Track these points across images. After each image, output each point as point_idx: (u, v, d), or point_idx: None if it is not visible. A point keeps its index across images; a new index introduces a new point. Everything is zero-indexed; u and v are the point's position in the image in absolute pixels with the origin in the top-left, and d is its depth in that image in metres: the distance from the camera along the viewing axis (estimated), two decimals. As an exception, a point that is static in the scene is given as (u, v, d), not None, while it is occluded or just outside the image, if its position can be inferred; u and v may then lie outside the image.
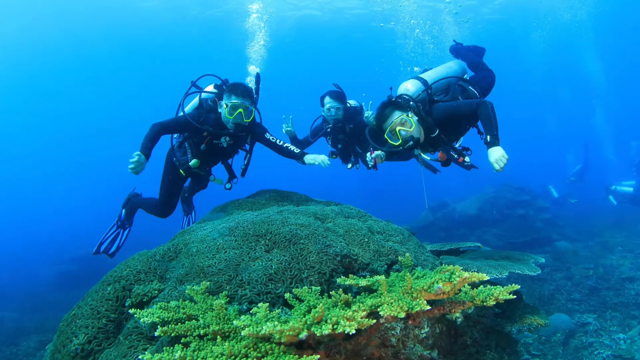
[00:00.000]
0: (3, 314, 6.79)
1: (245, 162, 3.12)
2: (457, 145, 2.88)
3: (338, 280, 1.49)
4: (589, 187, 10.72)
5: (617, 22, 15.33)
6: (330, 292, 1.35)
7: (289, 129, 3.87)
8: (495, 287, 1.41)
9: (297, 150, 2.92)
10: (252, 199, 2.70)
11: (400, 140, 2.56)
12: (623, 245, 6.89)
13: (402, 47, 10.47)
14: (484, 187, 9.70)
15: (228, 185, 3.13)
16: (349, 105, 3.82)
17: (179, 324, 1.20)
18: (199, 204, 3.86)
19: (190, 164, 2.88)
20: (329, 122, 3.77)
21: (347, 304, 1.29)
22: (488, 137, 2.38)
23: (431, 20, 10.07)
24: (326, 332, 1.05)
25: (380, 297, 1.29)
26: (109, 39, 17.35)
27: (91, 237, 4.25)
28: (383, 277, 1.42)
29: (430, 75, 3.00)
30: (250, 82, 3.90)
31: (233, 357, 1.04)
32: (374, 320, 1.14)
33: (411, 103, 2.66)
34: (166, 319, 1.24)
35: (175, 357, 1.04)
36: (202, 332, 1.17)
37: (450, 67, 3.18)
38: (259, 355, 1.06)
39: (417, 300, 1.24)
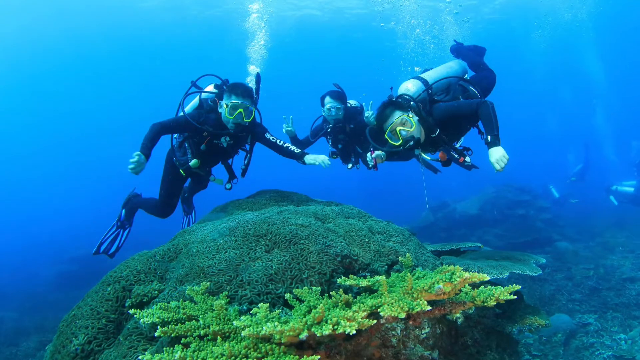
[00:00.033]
0: (3, 314, 6.78)
1: (246, 162, 3.12)
2: (457, 145, 2.88)
3: (338, 280, 1.48)
4: (590, 187, 10.71)
5: (617, 22, 15.32)
6: (331, 293, 1.35)
7: (289, 129, 3.87)
8: (496, 287, 1.41)
9: (297, 151, 2.92)
10: (252, 199, 2.70)
11: (401, 140, 2.56)
12: (624, 246, 6.88)
13: (403, 47, 10.48)
14: (485, 187, 9.69)
15: (228, 186, 3.13)
16: (349, 105, 3.82)
17: (179, 324, 1.20)
18: (199, 204, 3.86)
19: (190, 164, 2.87)
20: (330, 122, 3.77)
21: (348, 305, 1.29)
22: (489, 137, 2.37)
23: (432, 20, 10.07)
24: (326, 332, 1.05)
25: (380, 297, 1.28)
26: (109, 39, 17.35)
27: (91, 237, 4.25)
28: (383, 277, 1.42)
29: (430, 75, 3.00)
30: (251, 82, 3.90)
31: (233, 357, 1.04)
32: (375, 321, 1.14)
33: (412, 103, 2.66)
34: (166, 320, 1.23)
35: (175, 358, 1.04)
36: (202, 332, 1.17)
37: (450, 67, 3.18)
38: (259, 355, 1.06)
39: (418, 300, 1.24)
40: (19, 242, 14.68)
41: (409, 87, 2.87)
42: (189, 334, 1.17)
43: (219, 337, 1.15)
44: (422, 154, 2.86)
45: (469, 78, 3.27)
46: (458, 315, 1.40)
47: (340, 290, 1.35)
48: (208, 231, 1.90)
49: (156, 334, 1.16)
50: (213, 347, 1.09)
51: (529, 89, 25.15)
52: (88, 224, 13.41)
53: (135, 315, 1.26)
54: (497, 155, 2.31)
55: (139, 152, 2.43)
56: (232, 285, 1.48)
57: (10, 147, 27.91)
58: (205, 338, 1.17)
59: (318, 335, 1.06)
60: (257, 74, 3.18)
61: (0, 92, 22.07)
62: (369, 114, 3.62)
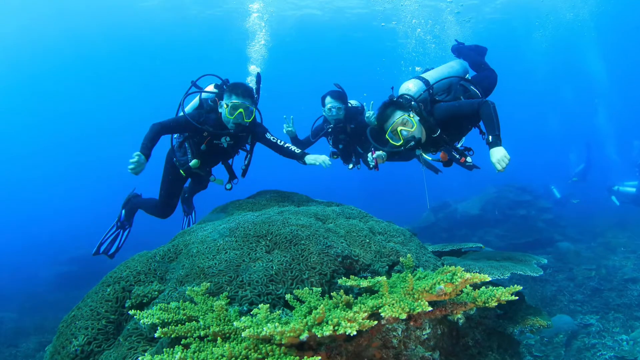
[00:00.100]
0: (2, 315, 6.77)
1: (246, 162, 3.11)
2: (458, 146, 2.87)
3: (339, 281, 1.48)
4: (592, 187, 10.69)
5: (619, 22, 15.29)
6: (332, 293, 1.35)
7: (289, 129, 3.86)
8: (497, 288, 1.40)
9: (298, 151, 2.92)
10: (252, 200, 2.70)
11: (402, 141, 2.55)
12: (626, 246, 6.86)
13: (404, 47, 10.47)
14: (486, 188, 9.68)
15: (228, 186, 3.12)
16: (350, 105, 3.81)
17: (179, 325, 1.19)
18: (199, 204, 3.86)
19: (190, 164, 2.87)
20: (330, 122, 3.76)
21: (349, 305, 1.28)
22: (490, 137, 2.37)
23: (433, 20, 10.06)
24: (327, 333, 1.04)
25: (381, 298, 1.28)
26: (109, 39, 17.38)
27: (91, 238, 4.26)
28: (384, 278, 1.41)
29: (431, 75, 2.99)
30: (251, 81, 3.89)
31: (234, 358, 1.04)
32: (375, 322, 1.13)
33: (413, 103, 2.65)
34: (166, 320, 1.23)
35: (176, 359, 1.03)
36: (202, 333, 1.17)
37: (452, 66, 3.17)
38: (260, 356, 1.05)
39: (419, 301, 1.23)
40: (18, 242, 14.70)
41: (410, 87, 2.87)
42: (189, 334, 1.17)
43: (219, 338, 1.15)
44: (423, 154, 2.85)
45: (470, 78, 3.26)
46: (459, 316, 1.39)
47: (341, 291, 1.35)
48: (208, 232, 1.89)
49: (156, 335, 1.16)
50: (213, 348, 1.09)
51: (530, 89, 25.13)
52: (88, 224, 13.42)
53: (135, 316, 1.26)
54: (499, 155, 2.30)
55: (139, 152, 2.42)
56: (232, 285, 1.48)
57: (10, 147, 27.98)
58: (205, 339, 1.17)
59: (319, 336, 1.05)
60: (258, 73, 3.17)
61: (0, 92, 22.11)
62: (370, 114, 3.61)
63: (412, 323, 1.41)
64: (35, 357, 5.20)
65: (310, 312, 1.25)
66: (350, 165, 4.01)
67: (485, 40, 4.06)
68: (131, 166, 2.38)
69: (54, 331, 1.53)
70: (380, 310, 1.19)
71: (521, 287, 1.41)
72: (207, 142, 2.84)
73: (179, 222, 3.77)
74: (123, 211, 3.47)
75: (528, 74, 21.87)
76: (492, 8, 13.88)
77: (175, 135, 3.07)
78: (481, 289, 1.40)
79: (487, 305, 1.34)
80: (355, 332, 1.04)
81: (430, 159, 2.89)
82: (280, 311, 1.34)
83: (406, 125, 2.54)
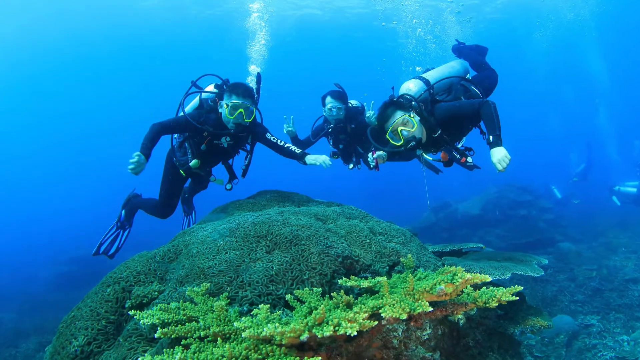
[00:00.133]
0: (2, 315, 6.76)
1: (246, 162, 3.11)
2: (459, 146, 2.86)
3: (339, 281, 1.47)
4: (592, 187, 10.67)
5: (620, 21, 15.27)
6: (332, 294, 1.34)
7: (290, 129, 3.86)
8: (498, 288, 1.40)
9: (298, 151, 2.91)
10: (252, 200, 2.69)
11: (402, 141, 2.55)
12: (627, 246, 6.84)
13: (404, 47, 10.47)
14: (487, 188, 9.67)
15: (229, 186, 3.12)
16: (350, 105, 3.81)
17: (179, 325, 1.19)
18: (200, 204, 3.85)
19: (190, 164, 2.87)
20: (331, 122, 3.76)
21: (349, 306, 1.28)
22: (491, 137, 2.36)
23: (433, 20, 10.06)
24: (327, 333, 1.04)
25: (382, 298, 1.28)
26: (108, 39, 17.39)
27: (91, 238, 4.25)
28: (385, 278, 1.41)
29: (432, 75, 2.99)
30: (251, 81, 3.88)
31: (234, 358, 1.03)
32: (376, 322, 1.13)
33: (413, 103, 2.65)
34: (166, 321, 1.23)
35: (176, 359, 1.03)
36: (202, 333, 1.16)
37: (452, 66, 3.16)
38: (260, 357, 1.05)
39: (419, 301, 1.23)
40: (18, 242, 14.70)
41: (411, 86, 2.86)
42: (189, 335, 1.16)
43: (219, 338, 1.14)
44: (424, 154, 2.85)
45: (470, 78, 3.26)
46: (460, 316, 1.39)
47: (342, 291, 1.34)
48: (208, 232, 1.89)
49: (156, 335, 1.15)
50: (213, 349, 1.08)
51: (531, 89, 25.12)
52: (88, 224, 13.43)
53: (135, 317, 1.25)
54: (499, 155, 2.30)
55: (139, 153, 2.42)
56: (232, 286, 1.47)
57: (10, 147, 27.99)
58: (205, 339, 1.16)
59: (319, 336, 1.05)
60: (258, 73, 3.17)
61: (0, 92, 22.12)
62: (370, 114, 3.61)
63: (412, 323, 1.41)
64: (35, 357, 5.19)
65: (310, 313, 1.25)
66: (351, 166, 4.00)
67: (485, 40, 4.06)
68: (131, 166, 2.38)
69: (54, 332, 1.53)
70: (380, 311, 1.19)
71: (522, 288, 1.40)
72: (207, 142, 2.84)
73: (179, 222, 3.77)
74: (123, 211, 3.46)
75: (529, 74, 21.86)
76: (493, 8, 13.87)
77: (175, 136, 3.06)
78: (482, 290, 1.40)
79: (487, 305, 1.34)
80: (355, 333, 1.04)
81: (430, 159, 2.89)
82: (281, 311, 1.34)
83: (407, 125, 2.53)
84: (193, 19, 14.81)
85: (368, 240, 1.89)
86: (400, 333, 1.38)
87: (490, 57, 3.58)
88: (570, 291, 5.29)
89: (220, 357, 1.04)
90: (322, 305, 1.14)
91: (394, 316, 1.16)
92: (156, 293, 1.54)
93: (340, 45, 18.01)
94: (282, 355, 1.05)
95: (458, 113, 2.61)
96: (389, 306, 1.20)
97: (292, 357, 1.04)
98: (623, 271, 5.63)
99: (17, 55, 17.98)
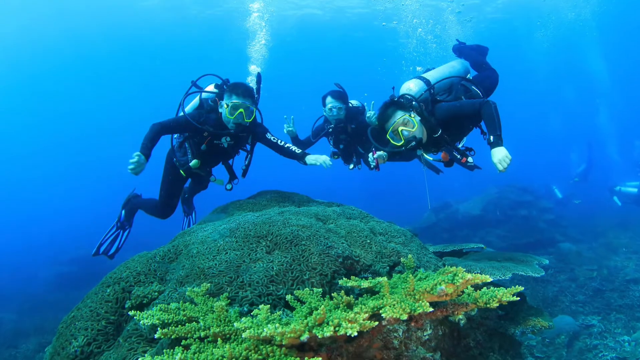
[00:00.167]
0: (2, 316, 6.74)
1: (246, 162, 3.11)
2: (460, 146, 2.86)
3: (340, 281, 1.47)
4: (593, 187, 10.66)
5: (621, 21, 15.26)
6: (332, 294, 1.34)
7: (290, 129, 3.85)
8: (498, 288, 1.39)
9: (298, 151, 2.91)
10: (253, 200, 2.69)
11: (403, 141, 2.54)
12: (627, 247, 6.83)
13: (405, 47, 10.47)
14: (487, 188, 9.65)
15: (229, 186, 3.11)
16: (350, 105, 3.80)
17: (179, 326, 1.19)
18: (200, 204, 3.85)
19: (190, 164, 2.86)
20: (331, 122, 3.75)
21: (349, 306, 1.28)
22: (491, 137, 2.36)
23: (434, 20, 10.05)
24: (328, 334, 1.04)
25: (382, 298, 1.27)
26: (108, 39, 17.39)
27: (91, 238, 4.25)
28: (385, 278, 1.40)
29: (432, 75, 2.98)
30: (251, 81, 3.88)
31: (234, 359, 1.03)
32: (376, 323, 1.13)
33: (414, 103, 2.64)
34: (166, 321, 1.22)
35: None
36: (202, 334, 1.16)
37: (453, 66, 3.16)
38: (260, 357, 1.05)
39: (420, 302, 1.23)
40: (18, 242, 14.68)
41: (411, 86, 2.86)
42: (189, 335, 1.16)
43: (219, 338, 1.14)
44: (424, 155, 2.84)
45: (471, 78, 3.25)
46: (460, 316, 1.38)
47: (342, 291, 1.34)
48: (208, 232, 1.89)
49: (156, 336, 1.15)
50: (213, 349, 1.08)
51: (531, 89, 25.11)
52: (88, 224, 13.42)
53: (135, 317, 1.25)
54: (500, 155, 2.29)
55: (138, 153, 2.42)
56: (232, 286, 1.47)
57: (10, 147, 28.00)
58: (205, 340, 1.16)
59: (319, 337, 1.04)
60: (258, 73, 3.17)
61: (0, 92, 22.13)
62: (371, 114, 3.61)
63: (413, 324, 1.41)
64: (34, 358, 5.18)
65: (311, 313, 1.24)
66: (351, 166, 4.00)
67: (486, 40, 4.06)
68: (131, 166, 2.37)
69: (54, 332, 1.53)
70: (381, 311, 1.19)
71: (522, 288, 1.40)
72: (207, 142, 2.83)
73: (179, 222, 3.76)
74: (123, 211, 3.46)
75: (529, 74, 21.84)
76: (494, 8, 13.85)
77: (176, 136, 3.06)
78: (482, 290, 1.39)
79: (488, 306, 1.33)
80: (356, 333, 1.04)
81: (431, 159, 2.88)
82: (281, 312, 1.34)
83: (407, 125, 2.53)
84: (193, 18, 14.82)
85: (368, 241, 1.89)
86: (400, 333, 1.38)
87: (491, 57, 3.57)
88: (571, 291, 5.28)
89: (220, 358, 1.03)
90: (323, 306, 1.14)
91: (394, 316, 1.16)
92: (156, 293, 1.53)
93: (341, 45, 18.01)
94: (283, 355, 1.05)
95: (459, 113, 2.60)
96: (390, 306, 1.20)
97: (293, 358, 1.04)
98: (624, 271, 5.62)
99: (17, 55, 17.99)
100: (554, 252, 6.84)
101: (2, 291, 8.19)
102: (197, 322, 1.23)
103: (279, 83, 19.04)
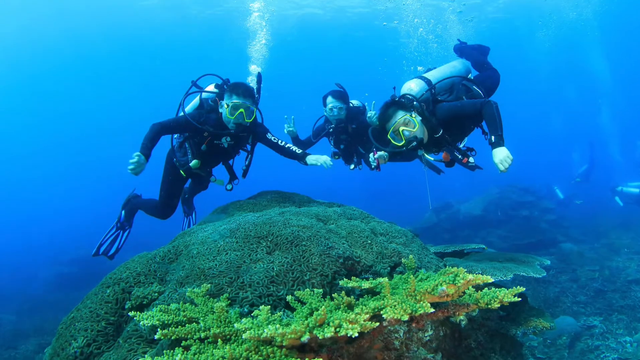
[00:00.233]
0: (1, 316, 6.73)
1: (247, 162, 3.10)
2: (461, 146, 2.85)
3: (341, 282, 1.47)
4: (595, 187, 10.63)
5: (623, 21, 15.22)
6: (333, 295, 1.33)
7: (290, 129, 3.85)
8: (499, 289, 1.39)
9: (299, 151, 2.90)
10: (253, 200, 2.69)
11: (404, 141, 2.53)
12: (629, 247, 6.81)
13: (406, 46, 10.47)
14: (489, 188, 9.64)
15: (229, 186, 3.11)
16: (351, 105, 3.80)
17: (180, 326, 1.18)
18: (200, 205, 3.84)
19: (190, 164, 2.86)
20: (332, 122, 3.75)
21: (350, 307, 1.27)
22: (492, 137, 2.35)
23: (435, 19, 10.04)
24: (328, 335, 1.03)
25: (383, 299, 1.26)
26: (108, 39, 17.41)
27: (91, 238, 4.25)
28: (386, 279, 1.39)
29: (434, 75, 2.97)
30: (252, 81, 3.88)
31: (234, 361, 1.02)
32: (377, 323, 1.12)
33: (415, 103, 2.64)
34: (166, 322, 1.22)
35: (175, 361, 1.02)
36: (202, 335, 1.16)
37: (454, 66, 3.15)
38: (261, 358, 1.04)
39: (421, 302, 1.22)
40: (18, 242, 14.70)
41: (412, 86, 2.85)
42: (189, 336, 1.15)
43: (219, 339, 1.14)
44: (425, 155, 2.83)
45: (472, 77, 3.24)
46: (462, 317, 1.38)
47: (343, 292, 1.33)
48: (209, 232, 1.88)
49: (156, 337, 1.14)
50: (214, 350, 1.08)
51: (533, 89, 25.06)
52: (88, 224, 13.43)
53: (135, 318, 1.25)
54: (501, 155, 2.29)
55: (138, 153, 2.41)
56: (233, 287, 1.47)
57: (10, 147, 28.04)
58: (205, 341, 1.15)
59: (320, 337, 1.04)
60: (259, 73, 3.16)
61: (0, 92, 22.17)
62: (372, 114, 3.60)
63: (414, 325, 1.40)
64: (34, 359, 5.17)
65: (311, 314, 1.24)
66: (352, 166, 3.99)
67: (487, 40, 4.05)
68: (131, 166, 2.37)
69: (54, 333, 1.53)
70: (382, 312, 1.18)
71: (524, 289, 1.39)
72: (207, 142, 2.83)
73: (179, 223, 3.76)
74: (123, 212, 3.46)
75: (531, 74, 21.81)
76: (495, 7, 13.83)
77: (176, 136, 3.06)
78: (484, 291, 1.39)
79: (489, 306, 1.33)
80: (357, 334, 1.03)
81: (432, 159, 2.88)
82: (281, 313, 1.33)
83: (408, 125, 2.52)
84: (193, 18, 14.82)
85: (369, 241, 1.88)
86: (401, 334, 1.37)
87: (492, 57, 3.56)
88: (572, 292, 5.27)
89: (220, 359, 1.03)
90: (323, 307, 1.13)
91: (395, 317, 1.15)
92: (156, 294, 1.53)
93: (342, 44, 18.00)
94: (283, 356, 1.04)
95: (460, 113, 2.60)
96: (391, 307, 1.19)
97: (293, 359, 1.03)
98: (625, 272, 5.60)
99: (17, 55, 18.01)
100: (556, 253, 6.82)
101: (1, 291, 8.19)
102: (197, 323, 1.22)
103: (279, 83, 19.05)
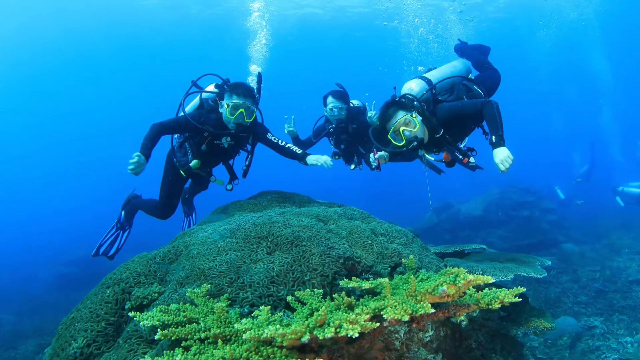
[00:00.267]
0: (1, 317, 6.73)
1: (247, 162, 3.10)
2: (461, 146, 2.85)
3: (341, 282, 1.46)
4: (596, 188, 10.62)
5: (624, 21, 15.20)
6: (333, 295, 1.33)
7: (291, 129, 3.85)
8: (500, 289, 1.38)
9: (299, 151, 2.90)
10: (253, 201, 2.68)
11: (404, 141, 2.53)
12: (630, 247, 6.80)
13: (406, 46, 10.46)
14: (489, 188, 9.63)
15: (229, 187, 3.11)
16: (352, 105, 3.79)
17: (180, 327, 1.18)
18: (200, 205, 3.84)
19: (190, 164, 2.86)
20: (332, 122, 3.75)
21: (350, 307, 1.27)
22: (493, 137, 2.35)
23: (435, 19, 10.04)
24: (329, 335, 1.03)
25: (383, 300, 1.26)
26: (108, 38, 17.41)
27: (91, 239, 4.24)
28: (387, 279, 1.39)
29: (434, 75, 2.97)
30: (252, 81, 3.87)
31: (234, 361, 1.02)
32: (378, 324, 1.11)
33: (415, 103, 2.63)
34: (166, 322, 1.22)
35: (175, 362, 1.02)
36: (202, 335, 1.15)
37: (454, 66, 3.15)
38: (261, 358, 1.04)
39: (421, 303, 1.22)
40: (18, 243, 14.69)
41: (413, 86, 2.85)
42: (189, 336, 1.15)
43: (220, 340, 1.13)
44: (426, 155, 2.83)
45: (473, 77, 3.24)
46: (462, 318, 1.37)
47: (343, 292, 1.33)
48: (209, 233, 1.88)
49: (156, 337, 1.14)
50: (214, 350, 1.07)
51: (534, 89, 25.04)
52: (88, 224, 13.41)
53: (135, 318, 1.24)
54: (502, 155, 2.28)
55: (138, 153, 2.41)
56: (233, 287, 1.46)
57: (10, 147, 28.05)
58: (206, 341, 1.15)
59: (320, 338, 1.03)
60: (259, 73, 3.16)
61: (0, 92, 22.19)
62: (372, 114, 3.59)
63: (414, 325, 1.39)
64: (34, 359, 5.17)
65: (311, 314, 1.23)
66: (352, 166, 3.99)
67: (488, 40, 4.05)
68: (131, 167, 2.37)
69: (53, 333, 1.52)
70: (382, 312, 1.18)
71: (525, 289, 1.39)
72: (207, 142, 2.83)
73: (179, 223, 3.76)
74: (123, 212, 3.45)
75: (532, 74, 21.78)
76: (495, 7, 13.82)
77: (176, 136, 3.05)
78: (484, 291, 1.38)
79: (490, 307, 1.32)
80: (357, 334, 1.03)
81: (432, 159, 2.87)
82: (282, 313, 1.33)
83: (408, 125, 2.52)
84: (193, 18, 14.82)
85: (370, 242, 1.88)
86: (402, 335, 1.37)
87: (493, 57, 3.56)
88: (573, 292, 5.26)
89: (220, 359, 1.03)
90: (324, 307, 1.13)
91: (395, 318, 1.15)
92: (156, 294, 1.53)
93: (342, 44, 17.99)
94: (283, 357, 1.04)
95: (460, 113, 2.59)
96: (391, 307, 1.19)
97: (293, 359, 1.03)
98: (626, 272, 5.59)
99: (17, 55, 18.02)
100: (557, 253, 6.81)
101: (1, 292, 8.18)
102: (198, 323, 1.22)
103: (279, 83, 19.05)
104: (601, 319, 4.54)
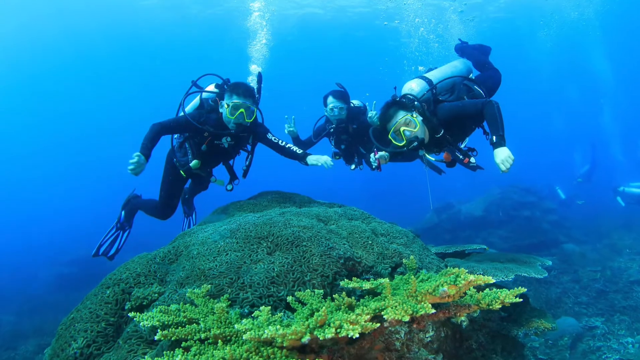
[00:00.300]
0: (1, 317, 6.73)
1: (247, 163, 3.10)
2: (462, 146, 2.84)
3: (341, 283, 1.46)
4: (597, 188, 10.60)
5: (624, 20, 15.17)
6: (334, 295, 1.33)
7: (291, 129, 3.85)
8: (501, 290, 1.38)
9: (299, 151, 2.90)
10: (253, 201, 2.68)
11: (405, 141, 2.53)
12: (631, 248, 6.78)
13: (407, 46, 10.46)
14: (490, 188, 9.61)
15: (229, 187, 3.10)
16: (352, 105, 3.79)
17: (180, 327, 1.18)
18: (200, 205, 3.84)
19: (190, 164, 2.86)
20: (332, 123, 3.74)
21: (351, 307, 1.26)
22: (494, 137, 2.34)
23: (436, 19, 10.03)
24: (329, 336, 1.02)
25: (384, 300, 1.26)
26: (108, 38, 17.42)
27: (91, 239, 4.24)
28: (387, 280, 1.39)
29: (435, 75, 2.97)
30: (252, 81, 3.87)
31: (234, 362, 1.02)
32: (378, 324, 1.11)
33: (415, 103, 2.63)
34: (166, 323, 1.21)
35: (175, 362, 1.02)
36: (203, 335, 1.15)
37: (455, 66, 3.14)
38: (261, 359, 1.04)
39: (422, 303, 1.21)
40: (18, 243, 14.68)
41: (413, 86, 2.84)
42: (189, 337, 1.15)
43: (220, 340, 1.13)
44: (426, 155, 2.83)
45: (474, 77, 3.23)
46: (463, 318, 1.37)
47: (343, 293, 1.33)
48: (209, 233, 1.88)
49: (156, 338, 1.14)
50: (214, 351, 1.07)
51: (534, 88, 25.02)
52: (88, 224, 13.41)
53: (135, 319, 1.24)
54: (503, 155, 2.28)
55: (138, 153, 2.41)
56: (233, 288, 1.46)
57: (10, 147, 28.06)
58: (206, 341, 1.15)
59: (320, 338, 1.03)
60: (259, 73, 3.16)
61: (0, 92, 22.21)
62: (373, 114, 3.59)
63: (415, 325, 1.39)
64: (34, 359, 5.17)
65: (312, 315, 1.23)
66: (353, 166, 3.98)
67: (489, 40, 4.04)
68: (131, 167, 2.37)
69: (53, 334, 1.52)
70: (383, 313, 1.17)
71: (525, 289, 1.38)
72: (207, 142, 2.83)
73: (179, 223, 3.76)
74: (123, 212, 3.45)
75: (532, 74, 21.76)
76: (496, 7, 13.80)
77: (176, 136, 3.05)
78: (485, 291, 1.38)
79: (491, 307, 1.32)
80: (357, 335, 1.02)
81: (433, 159, 2.87)
82: (282, 313, 1.33)
83: (409, 125, 2.52)
84: (193, 18, 14.82)
85: (370, 242, 1.88)
86: (402, 335, 1.36)
87: (494, 57, 3.55)
88: (574, 293, 5.25)
89: (220, 359, 1.02)
90: (324, 307, 1.12)
91: (396, 318, 1.14)
92: (156, 295, 1.52)
93: (342, 44, 17.98)
94: (284, 357, 1.04)
95: (461, 113, 2.59)
96: (392, 308, 1.18)
97: (293, 360, 1.03)
98: (627, 272, 5.58)
99: (17, 55, 18.03)
100: (557, 253, 6.80)
101: (1, 292, 8.18)
102: (198, 323, 1.22)
103: (279, 83, 19.03)
104: (602, 319, 4.53)
